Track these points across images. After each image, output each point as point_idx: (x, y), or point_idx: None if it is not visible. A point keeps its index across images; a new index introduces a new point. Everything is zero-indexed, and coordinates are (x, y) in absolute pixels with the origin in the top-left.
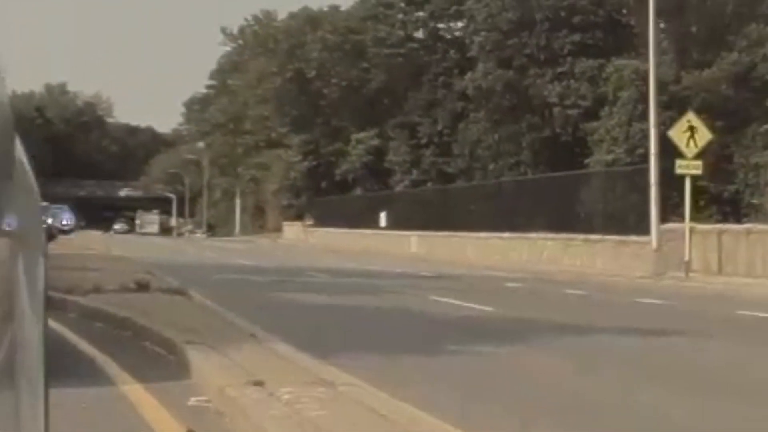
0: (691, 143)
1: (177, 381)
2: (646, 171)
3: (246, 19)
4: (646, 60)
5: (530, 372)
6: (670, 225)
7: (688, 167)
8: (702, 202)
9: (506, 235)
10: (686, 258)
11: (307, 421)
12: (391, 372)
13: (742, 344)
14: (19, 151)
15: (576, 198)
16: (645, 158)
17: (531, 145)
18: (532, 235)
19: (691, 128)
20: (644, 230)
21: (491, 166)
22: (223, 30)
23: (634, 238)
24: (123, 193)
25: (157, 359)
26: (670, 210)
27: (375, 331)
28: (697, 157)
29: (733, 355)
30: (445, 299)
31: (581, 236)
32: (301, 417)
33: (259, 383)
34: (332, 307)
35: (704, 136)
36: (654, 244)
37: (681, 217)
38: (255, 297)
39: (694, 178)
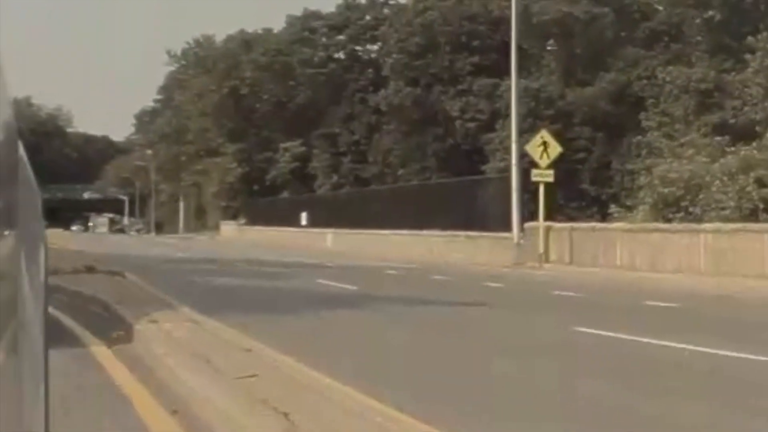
0: (545, 156)
1: (107, 323)
2: (524, 177)
3: (188, 42)
4: (535, 79)
5: (351, 324)
6: (534, 223)
7: (542, 175)
8: (584, 203)
9: (404, 232)
10: (541, 251)
11: (175, 338)
12: (247, 321)
13: (532, 315)
14: (21, 152)
15: (465, 200)
16: (531, 165)
17: (436, 154)
18: (425, 232)
19: (544, 143)
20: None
21: (400, 172)
22: (168, 52)
23: (507, 234)
24: (86, 195)
25: (97, 314)
26: (556, 209)
27: (256, 300)
28: (549, 167)
29: (515, 322)
30: (327, 282)
31: (464, 233)
32: (171, 337)
33: (154, 321)
34: (236, 286)
35: (555, 149)
36: (515, 239)
37: (566, 217)
38: (180, 279)
39: (550, 185)
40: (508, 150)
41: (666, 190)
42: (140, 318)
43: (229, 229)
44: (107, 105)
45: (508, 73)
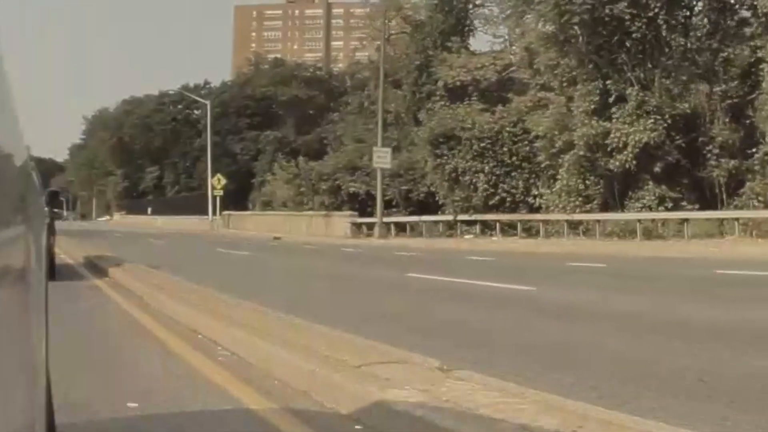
0: (219, 185)
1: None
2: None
3: (94, 111)
4: (281, 131)
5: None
6: (226, 212)
7: (217, 192)
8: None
9: (185, 217)
10: (220, 224)
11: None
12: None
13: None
14: (32, 162)
15: (203, 202)
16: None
17: (229, 176)
18: (192, 216)
19: (219, 178)
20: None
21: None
22: (84, 116)
23: (215, 217)
24: None
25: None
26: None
27: (99, 242)
28: (221, 189)
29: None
30: (118, 234)
31: (204, 216)
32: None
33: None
34: (97, 236)
35: (222, 181)
36: (210, 218)
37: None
38: (82, 238)
39: (224, 197)
40: (265, 173)
41: (265, 198)
42: (109, 266)
43: (117, 217)
44: (52, 137)
45: (267, 128)
